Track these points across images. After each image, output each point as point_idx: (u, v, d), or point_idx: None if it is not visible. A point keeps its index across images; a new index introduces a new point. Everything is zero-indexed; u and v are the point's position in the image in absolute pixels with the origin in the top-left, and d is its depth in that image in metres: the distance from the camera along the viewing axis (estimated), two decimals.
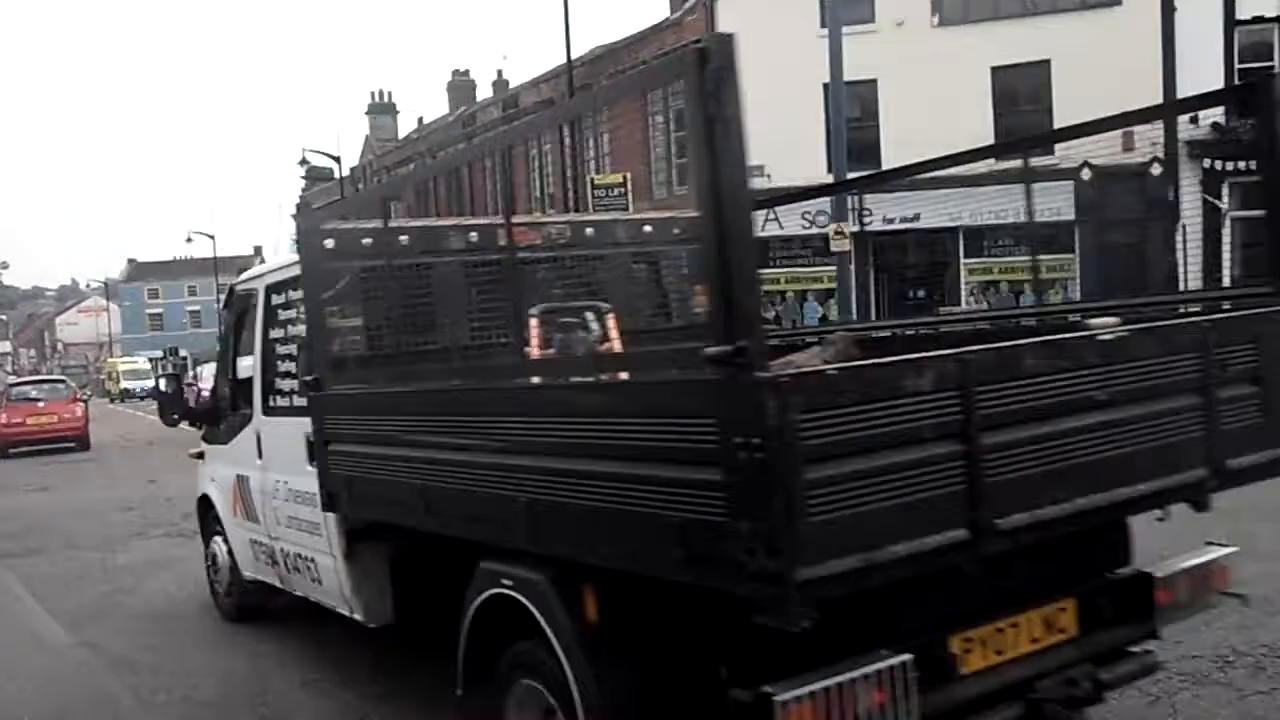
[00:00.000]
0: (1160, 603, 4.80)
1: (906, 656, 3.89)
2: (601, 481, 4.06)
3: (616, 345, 6.94)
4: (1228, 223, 25.56)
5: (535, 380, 5.14)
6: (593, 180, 33.48)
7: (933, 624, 4.24)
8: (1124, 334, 4.54)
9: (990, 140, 26.32)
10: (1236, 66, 25.31)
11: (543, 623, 4.50)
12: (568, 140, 34.32)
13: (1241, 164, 25.01)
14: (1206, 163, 25.27)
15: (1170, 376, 4.41)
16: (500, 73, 52.91)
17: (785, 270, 29.03)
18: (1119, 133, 24.94)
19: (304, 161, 57.83)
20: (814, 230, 26.05)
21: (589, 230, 7.78)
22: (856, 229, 25.78)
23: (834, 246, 22.71)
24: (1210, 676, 6.26)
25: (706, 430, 3.53)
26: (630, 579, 4.12)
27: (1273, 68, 25.24)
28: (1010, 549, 3.96)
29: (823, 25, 22.92)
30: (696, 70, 3.37)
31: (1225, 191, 25.49)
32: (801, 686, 3.73)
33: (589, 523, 4.17)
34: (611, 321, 7.08)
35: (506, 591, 4.75)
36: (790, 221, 27.79)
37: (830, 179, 22.59)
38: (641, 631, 4.35)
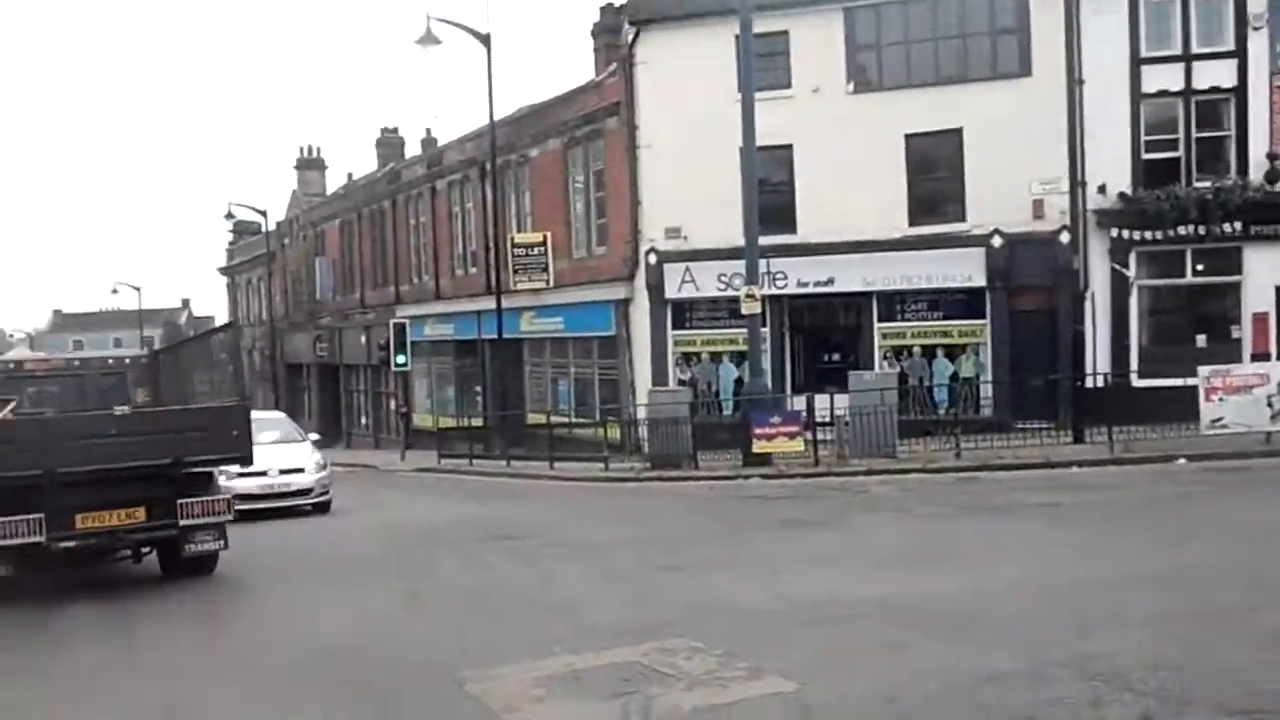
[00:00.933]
0: (182, 514, 12.02)
1: (39, 515, 11.35)
2: None
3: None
4: (1135, 290, 25.97)
5: None
6: (513, 239, 33.38)
7: (65, 508, 11.48)
8: (127, 412, 14.20)
9: (905, 205, 26.64)
10: (1143, 138, 25.76)
11: None
12: (489, 199, 34.16)
13: (1148, 233, 25.47)
14: (1114, 232, 25.62)
15: (155, 427, 12.63)
16: (429, 130, 52.58)
17: (701, 332, 28.98)
18: (1029, 200, 25.45)
19: (230, 215, 57.65)
20: (729, 292, 25.98)
21: (75, 361, 17.63)
22: (770, 292, 25.89)
23: (744, 309, 22.75)
24: None
25: None
26: None
27: (1177, 140, 25.80)
28: (91, 480, 11.61)
29: (739, 90, 23.02)
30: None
31: (1133, 260, 25.85)
32: None
33: None
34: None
35: None
36: (706, 283, 27.83)
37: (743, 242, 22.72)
38: None
